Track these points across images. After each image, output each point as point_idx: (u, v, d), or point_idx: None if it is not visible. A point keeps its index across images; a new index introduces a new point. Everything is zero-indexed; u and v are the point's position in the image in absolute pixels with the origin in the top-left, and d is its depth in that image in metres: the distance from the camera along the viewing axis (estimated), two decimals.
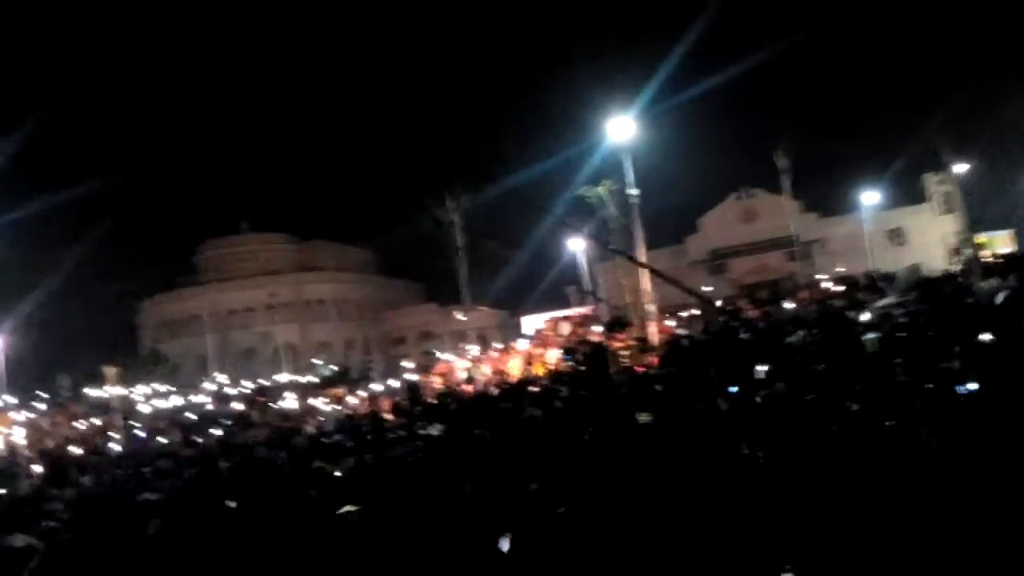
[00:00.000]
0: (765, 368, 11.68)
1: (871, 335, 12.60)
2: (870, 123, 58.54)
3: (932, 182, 42.07)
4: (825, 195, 42.80)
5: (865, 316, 15.12)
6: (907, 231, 44.69)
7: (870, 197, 39.11)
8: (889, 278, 19.76)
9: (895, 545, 3.56)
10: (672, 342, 17.65)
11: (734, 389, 10.11)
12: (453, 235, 22.38)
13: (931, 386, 7.39)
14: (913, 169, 39.52)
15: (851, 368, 10.09)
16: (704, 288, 31.02)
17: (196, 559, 5.59)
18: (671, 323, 20.31)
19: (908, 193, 43.95)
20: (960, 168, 27.91)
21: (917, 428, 5.37)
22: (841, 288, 21.27)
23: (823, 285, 22.77)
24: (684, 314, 21.47)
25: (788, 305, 19.24)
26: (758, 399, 8.66)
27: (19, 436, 21.73)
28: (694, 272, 41.92)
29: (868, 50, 64.46)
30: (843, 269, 29.93)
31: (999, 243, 34.02)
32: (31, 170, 44.09)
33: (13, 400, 27.44)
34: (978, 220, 30.96)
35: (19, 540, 7.40)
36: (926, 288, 16.31)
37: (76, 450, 18.31)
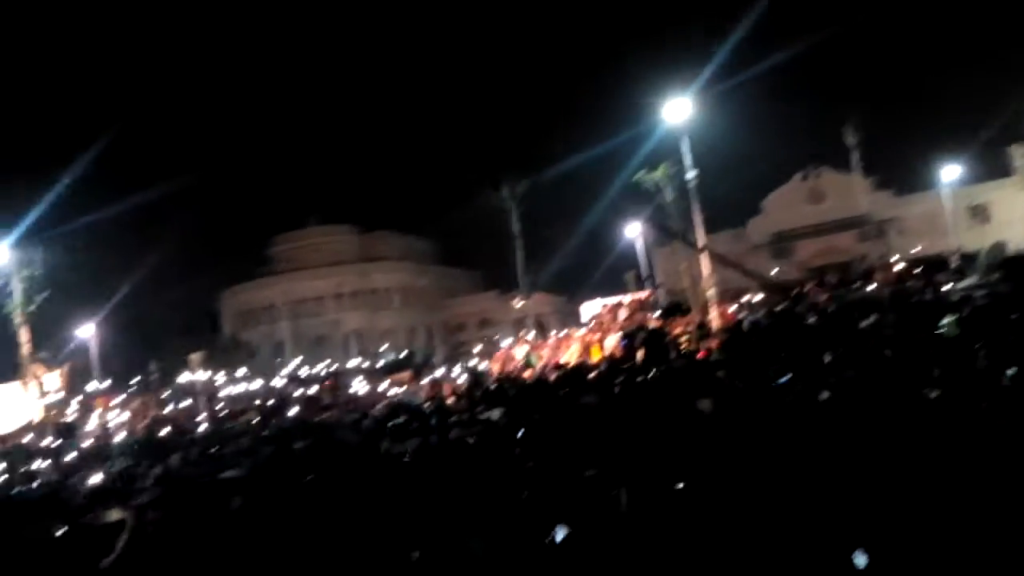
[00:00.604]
0: (833, 354, 11.43)
1: (950, 318, 12.14)
2: (949, 93, 55.02)
3: (1018, 154, 39.33)
4: (900, 172, 40.55)
5: (944, 298, 14.53)
6: (990, 207, 42.04)
7: (950, 172, 36.85)
8: (970, 258, 18.84)
9: (973, 532, 3.51)
10: (734, 327, 17.41)
11: (798, 376, 9.97)
12: (510, 222, 22.56)
13: (1015, 372, 7.12)
14: (997, 141, 37.04)
15: (928, 354, 9.77)
16: (768, 272, 30.27)
17: (275, 532, 6.04)
18: (732, 308, 19.98)
19: (992, 167, 41.27)
20: None
21: (1001, 416, 5.23)
22: (918, 270, 20.38)
23: (898, 266, 21.85)
24: (745, 299, 21.07)
25: (859, 288, 18.61)
26: (825, 387, 8.55)
27: (115, 418, 23.46)
28: (756, 256, 40.74)
29: (946, 11, 60.55)
30: (919, 249, 28.61)
31: None
32: (118, 174, 47.20)
33: (107, 385, 29.59)
34: None
35: (113, 515, 8.12)
36: (1011, 268, 15.51)
37: (164, 431, 19.62)
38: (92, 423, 22.80)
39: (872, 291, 17.88)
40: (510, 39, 74.52)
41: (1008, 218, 38.01)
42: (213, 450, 14.12)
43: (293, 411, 20.08)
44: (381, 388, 22.69)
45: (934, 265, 20.15)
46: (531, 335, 25.20)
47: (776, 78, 52.18)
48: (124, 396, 27.48)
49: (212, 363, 31.99)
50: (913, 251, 28.41)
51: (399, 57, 77.19)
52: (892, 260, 24.55)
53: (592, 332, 20.96)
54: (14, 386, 21.59)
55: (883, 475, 4.40)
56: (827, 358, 11.39)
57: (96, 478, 12.35)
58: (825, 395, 7.55)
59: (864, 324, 14.08)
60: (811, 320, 15.57)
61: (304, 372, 32.05)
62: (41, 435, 19.74)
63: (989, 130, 33.48)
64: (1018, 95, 26.42)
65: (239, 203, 69.60)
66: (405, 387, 22.60)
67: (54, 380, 22.88)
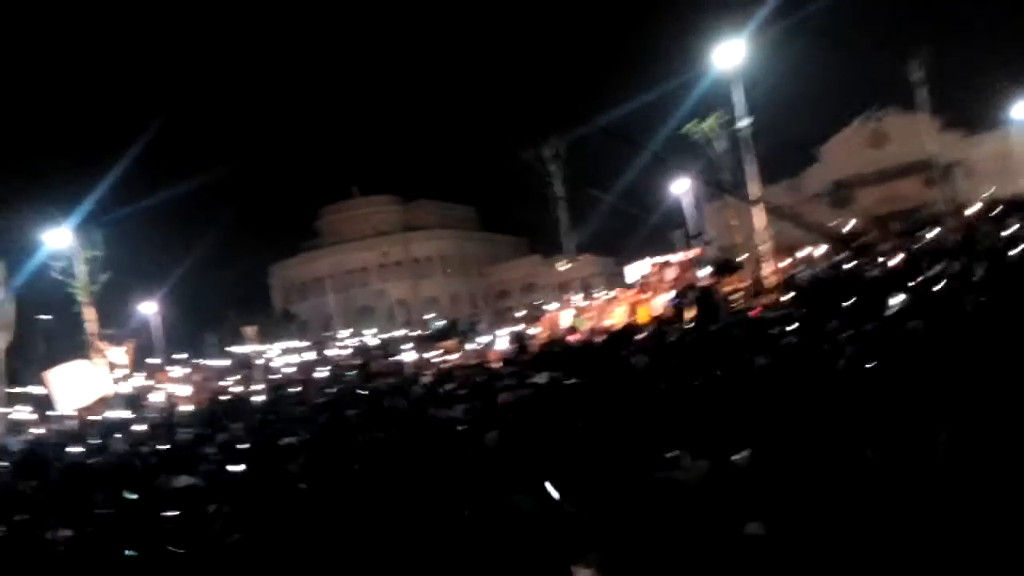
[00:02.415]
0: (899, 302, 10.82)
1: None
2: (1021, 23, 51.19)
3: None
4: (969, 110, 37.96)
5: (1018, 241, 13.62)
6: None
7: (1022, 109, 34.46)
8: None
9: None
10: (788, 282, 16.82)
11: (857, 329, 9.49)
12: (552, 184, 22.13)
13: None
14: None
15: (1005, 302, 9.14)
16: (828, 223, 29.08)
17: (333, 494, 6.11)
18: (787, 262, 19.28)
19: None
20: None
21: None
22: (990, 213, 19.20)
23: (969, 210, 20.62)
24: (802, 253, 20.31)
25: (927, 235, 17.62)
26: (884, 341, 8.10)
27: (176, 390, 24.37)
28: (814, 207, 39.16)
29: None
30: (990, 192, 26.97)
31: None
32: (171, 159, 48.62)
33: (169, 359, 30.77)
34: None
35: (182, 480, 8.38)
36: None
37: (224, 401, 20.28)
38: (157, 395, 23.74)
39: (940, 237, 16.94)
40: None
41: None
42: (271, 418, 14.49)
43: (345, 380, 20.45)
44: (428, 355, 22.90)
45: (1007, 207, 18.95)
46: (577, 298, 24.95)
47: (833, 14, 49.38)
48: (185, 369, 28.50)
49: (266, 335, 32.88)
50: (984, 194, 26.79)
51: (434, 15, 76.15)
52: (960, 204, 23.23)
53: (639, 293, 20.59)
54: (84, 363, 22.58)
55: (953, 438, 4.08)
56: (890, 308, 10.83)
57: (163, 447, 12.82)
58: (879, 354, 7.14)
59: (931, 273, 13.36)
60: (873, 272, 14.89)
61: (354, 342, 32.64)
62: (112, 409, 20.65)
63: None
64: None
65: (285, 180, 71.04)
66: (451, 354, 22.77)
67: (120, 356, 23.83)
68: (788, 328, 10.65)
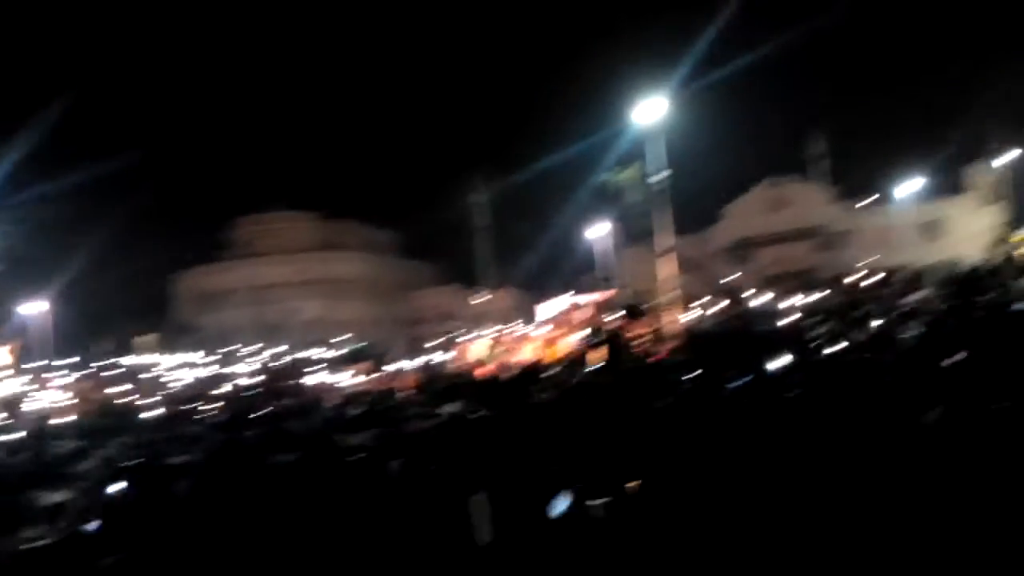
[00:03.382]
0: (784, 361, 11.71)
1: (900, 332, 12.55)
2: (912, 109, 56.77)
3: (976, 173, 40.57)
4: (860, 183, 41.65)
5: (896, 310, 15.01)
6: (945, 223, 43.33)
7: (908, 187, 38.07)
8: (923, 272, 19.52)
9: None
10: (691, 331, 17.72)
11: (746, 380, 10.17)
12: (476, 218, 22.51)
13: (958, 385, 7.38)
14: (956, 159, 38.33)
15: (879, 363, 10.07)
16: (728, 278, 30.81)
17: (221, 519, 5.94)
18: (690, 312, 20.31)
19: (949, 184, 42.33)
20: (1007, 158, 26.96)
21: (949, 427, 5.38)
22: (872, 281, 21.01)
23: (854, 277, 22.48)
24: (704, 303, 21.45)
25: (814, 297, 19.09)
26: (772, 393, 8.74)
27: (56, 398, 22.69)
28: (718, 261, 41.50)
29: (911, 31, 62.55)
30: (873, 261, 29.48)
31: None
32: (74, 142, 45.34)
33: (54, 364, 28.59)
34: (1021, 215, 30.02)
35: (53, 497, 7.87)
36: (961, 284, 16.10)
37: (110, 414, 19.05)
38: (37, 402, 22.03)
39: (826, 300, 18.38)
40: (485, 32, 74.43)
41: (961, 235, 39.23)
42: (161, 435, 13.78)
43: (246, 399, 19.72)
44: (339, 378, 22.43)
45: (887, 278, 20.81)
46: (491, 331, 25.20)
47: (747, 86, 53.21)
48: (71, 376, 26.60)
49: (164, 346, 31.15)
50: (867, 263, 29.27)
51: (374, 48, 76.28)
52: (847, 271, 25.27)
53: (551, 330, 21.07)
54: None
55: (825, 479, 4.51)
56: (778, 365, 11.69)
57: (35, 459, 11.94)
58: (772, 400, 7.75)
59: (815, 333, 14.48)
60: (765, 327, 15.95)
61: (260, 360, 31.47)
62: None
63: (947, 148, 34.66)
64: (977, 115, 27.46)
65: (200, 181, 67.73)
66: (363, 378, 22.39)
67: (3, 356, 22.00)
68: (685, 376, 11.26)
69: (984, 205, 40.94)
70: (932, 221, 43.20)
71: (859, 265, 28.21)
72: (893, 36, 61.37)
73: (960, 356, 8.87)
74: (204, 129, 74.69)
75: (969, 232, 39.29)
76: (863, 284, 20.95)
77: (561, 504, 4.77)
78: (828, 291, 18.79)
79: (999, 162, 24.24)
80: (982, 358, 8.60)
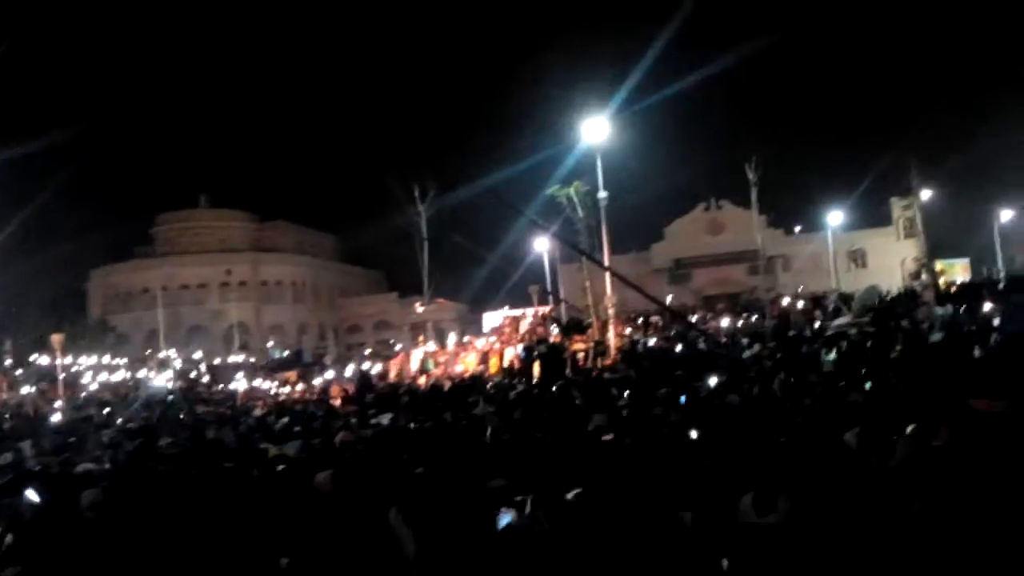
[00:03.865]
0: (718, 379, 11.97)
1: (828, 355, 13.04)
2: (841, 143, 60.22)
3: (897, 206, 43.26)
4: (792, 212, 43.89)
5: (820, 334, 15.62)
6: (869, 253, 46.05)
7: (835, 217, 40.17)
8: (847, 298, 20.43)
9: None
10: (629, 347, 17.89)
11: (685, 398, 10.32)
12: (419, 227, 22.18)
13: (877, 407, 7.66)
14: (879, 192, 40.74)
15: (803, 384, 10.41)
16: (666, 297, 31.44)
17: (129, 532, 5.47)
18: (629, 329, 20.55)
19: (873, 215, 45.24)
20: (925, 194, 28.90)
21: (865, 449, 5.50)
22: (800, 305, 21.88)
23: (784, 301, 23.35)
24: (642, 320, 21.76)
25: (747, 319, 19.67)
26: (709, 410, 8.86)
27: None
28: (657, 279, 42.41)
29: (844, 71, 66.34)
30: (803, 287, 30.78)
31: (955, 271, 35.34)
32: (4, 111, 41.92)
33: None
34: (938, 247, 32.16)
35: None
36: (880, 311, 16.90)
37: (15, 416, 17.68)
38: None
39: (758, 323, 18.94)
40: (436, 44, 74.31)
41: (883, 264, 41.85)
42: (70, 440, 12.88)
43: (163, 405, 18.65)
44: (264, 386, 21.54)
45: (816, 304, 21.66)
46: (430, 341, 24.82)
47: (690, 110, 55.14)
48: None
49: (75, 346, 29.22)
50: (798, 288, 30.51)
51: (321, 52, 74.74)
52: (778, 295, 26.22)
53: (492, 343, 20.90)
54: None
55: (756, 500, 4.53)
56: (712, 383, 11.94)
57: None
58: (705, 417, 7.85)
59: (748, 353, 14.88)
60: (701, 346, 16.28)
61: (179, 364, 29.93)
62: None
63: (873, 181, 36.80)
64: (901, 150, 29.23)
65: (121, 170, 63.93)
66: (290, 387, 21.58)
67: None
68: (624, 391, 11.32)
69: (904, 237, 43.65)
70: (857, 249, 45.68)
71: (788, 291, 29.39)
72: (825, 72, 65.00)
73: (873, 381, 9.30)
74: (128, 115, 71.11)
75: (890, 261, 41.82)
76: (794, 307, 21.76)
77: (503, 518, 4.58)
78: (761, 313, 19.38)
79: (917, 198, 25.95)
80: (894, 383, 9.01)
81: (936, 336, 13.54)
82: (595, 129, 20.16)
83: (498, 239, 31.13)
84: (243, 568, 4.53)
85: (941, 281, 22.36)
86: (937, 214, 31.46)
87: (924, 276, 22.69)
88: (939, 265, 27.37)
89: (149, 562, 4.68)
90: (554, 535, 4.64)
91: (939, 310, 16.50)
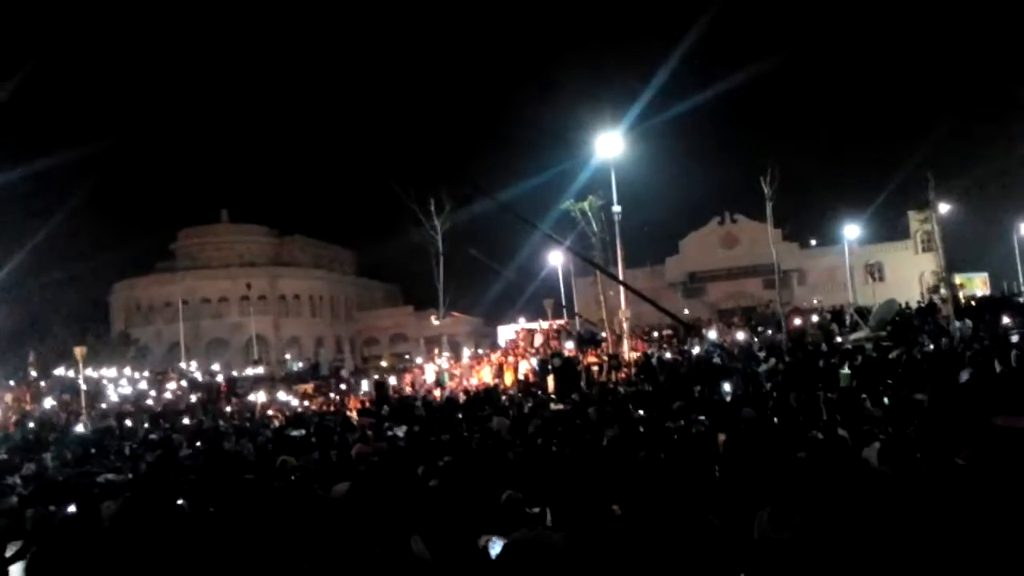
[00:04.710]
0: (733, 392, 11.96)
1: (844, 369, 12.95)
2: (858, 156, 59.81)
3: (915, 219, 42.58)
4: (808, 225, 43.52)
5: (837, 348, 15.52)
6: (886, 266, 45.51)
7: (852, 230, 39.79)
8: (864, 313, 20.26)
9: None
10: (645, 361, 17.87)
11: (700, 412, 10.32)
12: (434, 241, 22.37)
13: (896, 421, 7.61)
14: (897, 205, 40.30)
15: (820, 399, 10.36)
16: (680, 311, 31.33)
17: (148, 542, 5.58)
18: (644, 342, 20.52)
19: (890, 229, 44.58)
20: (943, 208, 28.70)
21: (884, 461, 5.49)
22: (816, 319, 21.72)
23: (800, 316, 23.19)
24: (657, 334, 21.72)
25: (763, 333, 19.56)
26: (724, 423, 8.87)
27: None
28: (671, 293, 42.30)
29: (860, 84, 66.01)
30: (819, 300, 30.53)
31: (974, 285, 34.83)
32: (8, 140, 43.17)
33: None
34: (956, 261, 31.87)
35: None
36: (897, 326, 16.74)
37: (39, 428, 17.99)
38: None
39: (775, 337, 18.81)
40: (453, 58, 75.20)
41: (901, 278, 41.39)
42: (92, 451, 13.10)
43: (184, 417, 18.89)
44: (282, 398, 21.73)
45: (833, 317, 21.48)
46: (445, 354, 24.94)
47: (705, 124, 55.31)
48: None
49: (98, 358, 29.71)
50: (814, 301, 30.27)
51: (340, 70, 75.83)
52: (794, 309, 26.02)
53: (506, 356, 20.96)
54: None
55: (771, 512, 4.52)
56: (728, 397, 11.91)
57: None
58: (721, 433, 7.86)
59: (764, 368, 14.81)
60: (716, 360, 16.23)
61: (200, 376, 30.29)
62: None
63: (891, 195, 36.43)
64: (919, 163, 29.02)
65: (145, 185, 65.15)
66: (308, 399, 21.75)
67: None
68: (639, 404, 11.33)
69: (922, 251, 43.13)
70: (874, 263, 45.19)
71: (804, 304, 29.17)
72: (842, 84, 64.71)
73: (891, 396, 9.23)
74: (150, 131, 72.49)
75: (908, 275, 41.30)
76: (810, 321, 21.59)
77: (494, 546, 4.64)
78: (776, 327, 19.28)
79: (935, 211, 25.73)
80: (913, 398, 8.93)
81: (964, 376, 13.32)
82: (609, 144, 20.28)
83: (513, 253, 31.33)
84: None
85: (960, 295, 22.08)
86: (956, 228, 31.10)
87: (943, 290, 22.41)
88: (958, 279, 27.04)
89: (168, 571, 4.78)
90: (569, 547, 4.69)
91: (958, 324, 16.34)
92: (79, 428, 17.49)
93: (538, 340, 21.03)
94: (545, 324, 24.12)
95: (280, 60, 77.25)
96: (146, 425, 17.25)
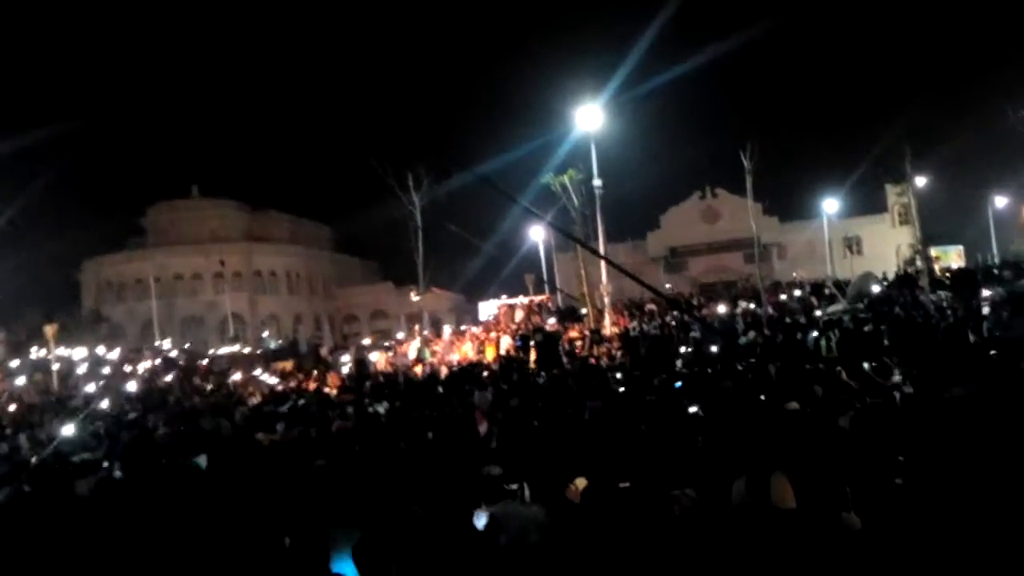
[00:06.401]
0: (714, 365, 12.02)
1: (821, 339, 13.11)
2: (836, 131, 60.12)
3: (892, 193, 42.99)
4: (787, 199, 43.76)
5: (816, 321, 15.69)
6: (864, 240, 46.01)
7: (830, 204, 40.10)
8: (842, 286, 20.48)
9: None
10: (625, 335, 17.91)
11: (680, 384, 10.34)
12: (413, 216, 22.08)
13: (869, 389, 7.71)
14: (874, 179, 40.60)
15: (798, 370, 10.45)
16: (662, 285, 31.46)
17: (125, 520, 5.45)
18: (625, 317, 20.56)
19: (868, 202, 45.08)
20: (919, 181, 28.99)
21: (860, 429, 5.53)
22: (796, 292, 21.91)
23: (780, 289, 23.38)
24: (639, 309, 21.77)
25: (743, 306, 19.69)
26: (704, 395, 8.89)
27: None
28: (652, 268, 42.46)
29: (838, 58, 66.20)
30: (798, 274, 30.84)
31: (949, 258, 35.42)
32: None
33: None
34: (932, 234, 32.32)
35: None
36: (877, 300, 16.96)
37: (11, 407, 17.61)
38: None
39: (755, 310, 18.95)
40: (430, 30, 73.75)
41: (878, 251, 41.88)
42: (65, 431, 12.84)
43: (158, 394, 18.59)
44: (260, 376, 21.46)
45: (812, 290, 21.69)
46: (425, 330, 24.80)
47: (686, 96, 55.08)
48: None
49: (69, 337, 29.08)
50: (793, 275, 30.56)
51: (313, 40, 74.00)
52: (774, 283, 26.25)
53: (487, 331, 20.90)
54: None
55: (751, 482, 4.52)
56: (709, 369, 11.98)
57: None
58: (696, 407, 7.90)
59: (744, 340, 14.93)
60: (696, 333, 16.32)
61: (174, 354, 29.82)
62: None
63: (868, 168, 36.70)
64: (896, 139, 29.21)
65: (113, 160, 63.48)
66: (286, 377, 21.51)
67: None
68: (620, 377, 11.34)
69: (899, 224, 43.69)
70: (852, 237, 45.73)
71: (784, 278, 29.45)
72: (820, 58, 64.88)
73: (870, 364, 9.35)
74: (119, 105, 70.44)
75: (885, 248, 41.87)
76: (789, 294, 21.78)
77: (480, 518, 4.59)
78: (757, 301, 19.41)
79: (911, 184, 25.96)
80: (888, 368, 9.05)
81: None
82: (589, 116, 20.06)
83: (494, 228, 31.12)
84: (243, 551, 4.51)
85: (936, 267, 22.42)
86: (932, 201, 31.54)
87: (919, 263, 22.71)
88: (934, 252, 27.43)
89: (146, 550, 4.66)
90: (551, 521, 4.66)
91: (933, 296, 16.57)
92: (53, 408, 17.13)
93: (519, 315, 20.97)
94: (526, 299, 24.05)
95: (252, 31, 75.24)
96: (123, 405, 16.95)
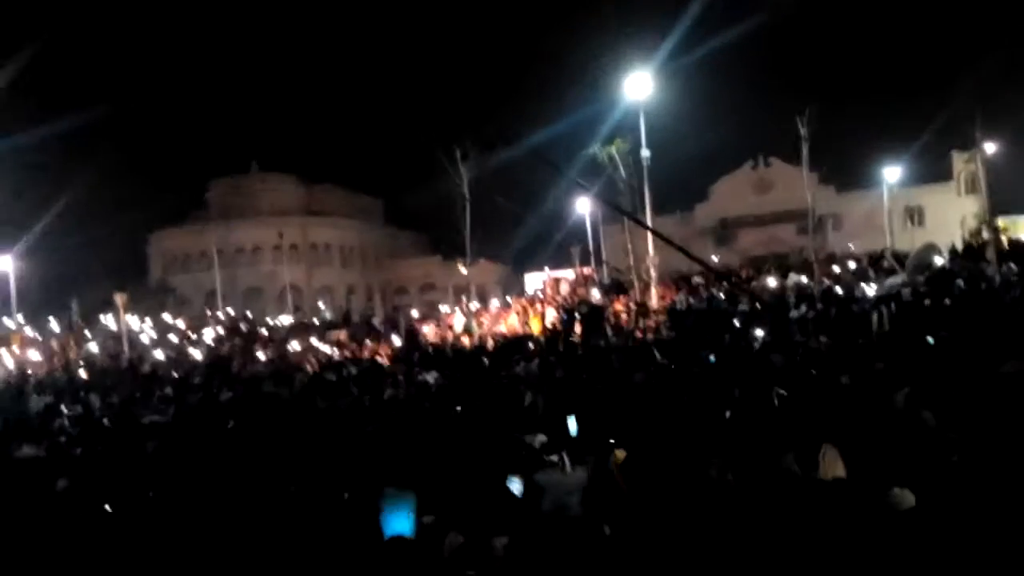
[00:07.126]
0: (763, 339, 11.87)
1: (873, 313, 12.73)
2: (899, 95, 57.10)
3: (959, 160, 40.52)
4: (845, 167, 41.51)
5: (872, 294, 15.21)
6: (927, 209, 43.65)
7: (891, 173, 38.17)
8: (901, 258, 19.71)
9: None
10: (672, 308, 17.79)
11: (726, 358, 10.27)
12: (462, 188, 22.23)
13: (928, 365, 7.51)
14: (940, 145, 38.41)
15: (850, 345, 10.24)
16: (711, 258, 30.88)
17: (190, 478, 5.84)
18: (672, 290, 20.37)
19: (932, 170, 42.44)
20: (989, 148, 27.26)
21: (915, 407, 5.44)
22: (853, 265, 21.21)
23: (835, 261, 22.66)
24: (687, 281, 21.51)
25: (795, 279, 19.22)
26: (752, 370, 8.84)
27: (31, 356, 22.24)
28: (701, 241, 41.58)
29: (901, 18, 62.61)
30: (852, 245, 29.78)
31: (1019, 228, 33.43)
32: (43, 95, 43.68)
33: (23, 322, 28.03)
34: (1002, 203, 30.52)
35: (26, 451, 7.74)
36: (939, 273, 16.30)
37: (84, 373, 18.76)
38: (7, 360, 21.59)
39: (807, 283, 18.49)
40: (480, 2, 72.99)
41: (942, 221, 39.50)
42: (136, 395, 13.65)
43: (222, 362, 19.49)
44: (317, 344, 22.23)
45: (870, 263, 20.98)
46: (473, 302, 25.13)
47: (737, 63, 53.22)
48: (42, 335, 26.10)
49: (139, 307, 30.61)
50: (849, 246, 29.53)
51: (365, 16, 74.19)
52: (829, 254, 25.44)
53: (533, 304, 21.05)
54: None
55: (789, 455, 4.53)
56: (756, 344, 11.84)
57: (13, 413, 11.75)
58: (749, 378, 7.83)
59: (795, 314, 14.64)
60: (745, 307, 16.07)
61: (234, 324, 31.06)
62: None
63: (933, 134, 34.72)
64: (964, 100, 27.58)
65: (179, 137, 65.69)
66: (340, 346, 22.22)
67: None
68: (666, 351, 11.34)
69: (965, 193, 41.43)
70: (914, 206, 43.62)
71: (839, 250, 28.49)
72: (882, 17, 61.47)
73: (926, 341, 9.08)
74: (180, 83, 72.61)
75: (950, 218, 39.76)
76: (844, 266, 21.13)
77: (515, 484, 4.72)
78: (811, 274, 18.88)
79: (980, 151, 24.50)
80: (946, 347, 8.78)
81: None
82: (638, 85, 19.67)
83: (540, 200, 31.03)
84: (302, 506, 4.78)
85: (1004, 239, 21.29)
86: (1002, 168, 29.72)
87: (985, 234, 21.59)
88: (1002, 222, 25.99)
89: (211, 506, 5.01)
90: (592, 488, 4.80)
91: (1001, 269, 15.85)
92: (123, 372, 18.17)
93: (565, 288, 21.01)
94: (573, 272, 24.04)
95: (307, 9, 76.06)
96: (189, 371, 17.86)
